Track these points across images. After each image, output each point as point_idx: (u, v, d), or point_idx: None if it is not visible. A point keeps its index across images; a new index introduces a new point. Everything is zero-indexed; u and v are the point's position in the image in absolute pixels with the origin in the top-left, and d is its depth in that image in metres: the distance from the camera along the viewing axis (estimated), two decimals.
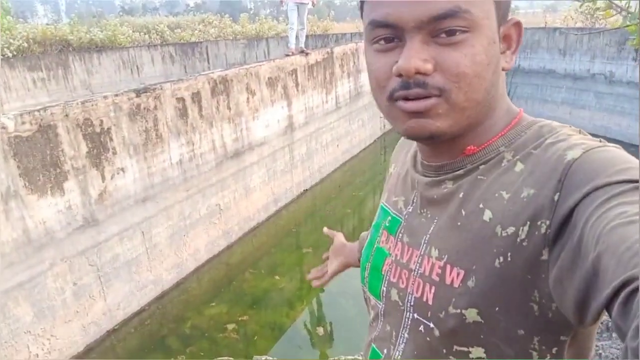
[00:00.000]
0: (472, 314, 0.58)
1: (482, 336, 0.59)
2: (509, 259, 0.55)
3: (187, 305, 5.01)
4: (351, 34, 13.24)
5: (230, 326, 4.57)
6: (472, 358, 0.61)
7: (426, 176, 0.69)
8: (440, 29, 0.56)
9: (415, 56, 0.56)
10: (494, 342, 0.59)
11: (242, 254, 6.01)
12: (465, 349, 0.61)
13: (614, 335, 2.41)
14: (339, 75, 8.84)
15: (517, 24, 0.62)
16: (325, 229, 1.24)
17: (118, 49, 10.78)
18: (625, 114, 9.67)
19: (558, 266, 0.51)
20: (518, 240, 0.55)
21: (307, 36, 8.63)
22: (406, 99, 0.59)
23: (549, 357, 0.58)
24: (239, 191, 6.22)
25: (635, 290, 0.38)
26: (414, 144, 0.77)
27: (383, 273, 0.73)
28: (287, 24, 8.77)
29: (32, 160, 3.83)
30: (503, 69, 0.62)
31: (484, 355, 0.60)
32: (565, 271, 0.50)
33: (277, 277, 5.42)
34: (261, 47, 12.97)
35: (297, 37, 7.71)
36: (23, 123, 3.77)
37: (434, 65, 0.57)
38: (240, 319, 4.68)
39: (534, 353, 0.58)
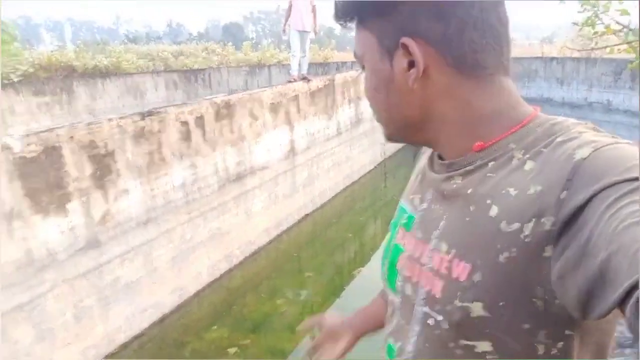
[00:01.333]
0: (477, 308, 0.59)
1: (487, 330, 0.60)
2: (513, 254, 0.56)
3: (187, 329, 4.94)
4: (352, 62, 13.43)
5: (232, 350, 4.49)
6: (478, 352, 0.62)
7: (439, 173, 0.72)
8: None
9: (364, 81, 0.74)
10: (499, 336, 0.60)
11: (243, 278, 5.97)
12: (471, 342, 0.62)
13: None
14: (340, 102, 8.94)
15: (402, 45, 0.65)
16: (301, 327, 1.13)
17: (122, 75, 10.92)
18: None
19: (561, 264, 0.52)
20: (522, 236, 0.56)
21: (308, 64, 8.78)
22: None
23: (554, 351, 0.59)
24: (240, 215, 6.22)
25: None
26: None
27: (398, 268, 0.75)
28: (288, 52, 8.92)
29: (37, 181, 3.84)
30: (412, 88, 0.67)
31: (490, 349, 0.61)
32: (570, 269, 0.50)
33: (278, 302, 5.36)
34: (263, 75, 13.16)
35: (299, 65, 7.83)
36: (28, 144, 3.79)
37: None
38: (241, 343, 4.61)
39: (540, 347, 0.59)
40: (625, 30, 2.26)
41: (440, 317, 0.64)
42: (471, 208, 0.63)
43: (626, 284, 0.41)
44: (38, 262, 3.84)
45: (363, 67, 0.72)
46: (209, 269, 5.68)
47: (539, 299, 0.56)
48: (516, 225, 0.57)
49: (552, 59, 11.82)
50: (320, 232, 7.62)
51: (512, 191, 0.59)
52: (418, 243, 0.72)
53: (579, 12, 2.81)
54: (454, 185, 0.68)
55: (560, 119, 0.65)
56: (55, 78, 10.09)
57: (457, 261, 0.62)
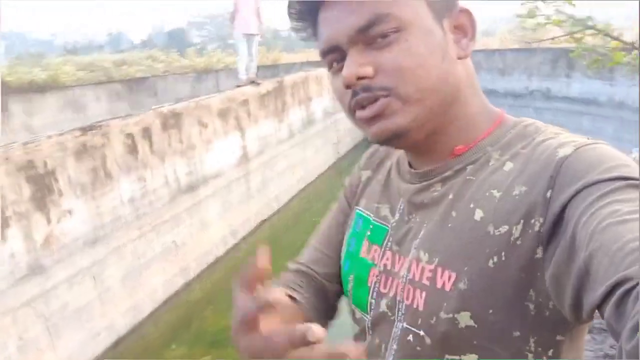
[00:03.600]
0: (464, 318, 0.57)
1: (475, 341, 0.57)
2: (503, 258, 0.55)
3: (145, 350, 4.75)
4: (301, 63, 13.43)
5: None
6: None
7: (413, 183, 0.68)
8: (373, 36, 0.58)
9: (353, 64, 0.59)
10: (487, 347, 0.57)
11: (201, 291, 5.82)
12: (457, 357, 0.59)
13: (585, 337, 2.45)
14: (291, 103, 8.90)
15: (465, 12, 0.63)
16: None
17: (61, 89, 10.46)
18: (562, 127, 10.20)
19: (554, 263, 0.51)
20: (512, 239, 0.54)
21: (257, 67, 8.68)
22: (361, 107, 0.60)
23: (544, 359, 0.57)
24: (194, 226, 6.06)
25: (628, 291, 0.38)
26: (392, 150, 0.76)
27: (369, 285, 0.70)
28: (236, 56, 8.80)
29: None
30: (459, 57, 0.62)
31: None
32: (562, 268, 0.49)
33: None
34: (211, 80, 12.94)
35: (246, 68, 7.73)
36: None
37: (375, 68, 0.58)
38: (202, 359, 4.48)
39: (530, 355, 0.57)
40: (570, 20, 2.33)
41: (421, 332, 0.61)
42: (453, 214, 0.61)
43: (607, 283, 0.40)
44: None
45: (386, 35, 0.58)
46: (164, 285, 5.50)
47: (532, 303, 0.54)
48: (505, 228, 0.55)
49: (494, 51, 12.21)
50: (278, 236, 7.54)
51: (496, 193, 0.58)
52: (395, 256, 0.68)
53: (522, 3, 2.90)
54: (435, 193, 0.64)
55: (530, 120, 0.65)
56: None
57: (441, 270, 0.59)
